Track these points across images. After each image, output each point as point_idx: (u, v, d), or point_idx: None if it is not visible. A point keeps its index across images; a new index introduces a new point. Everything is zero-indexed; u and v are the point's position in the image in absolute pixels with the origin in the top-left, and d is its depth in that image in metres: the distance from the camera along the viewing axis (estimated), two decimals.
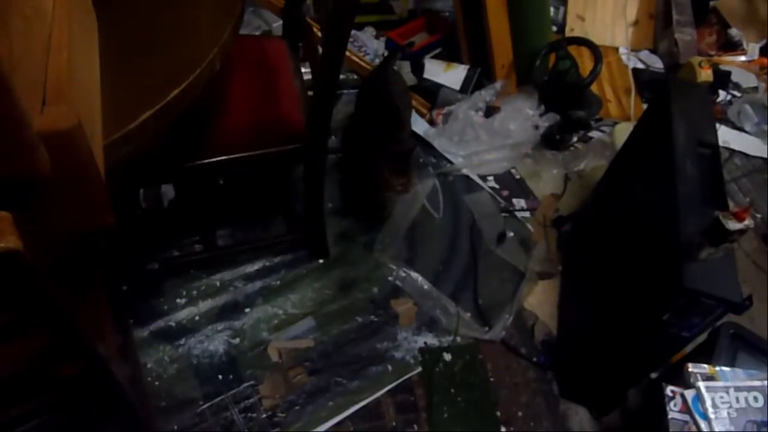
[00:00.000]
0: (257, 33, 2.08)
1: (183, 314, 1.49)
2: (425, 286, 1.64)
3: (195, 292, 1.53)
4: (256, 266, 1.61)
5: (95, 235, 0.70)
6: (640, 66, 2.57)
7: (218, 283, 1.56)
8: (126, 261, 1.46)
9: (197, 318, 1.49)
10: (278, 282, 1.59)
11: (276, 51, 1.49)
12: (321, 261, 1.65)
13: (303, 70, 1.51)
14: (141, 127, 0.78)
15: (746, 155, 2.30)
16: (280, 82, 1.40)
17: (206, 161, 1.25)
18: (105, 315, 0.92)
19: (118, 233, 0.75)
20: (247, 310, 1.53)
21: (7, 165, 0.45)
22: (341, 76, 2.13)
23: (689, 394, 1.20)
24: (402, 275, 1.65)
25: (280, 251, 1.64)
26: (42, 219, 0.54)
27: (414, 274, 1.65)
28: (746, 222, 0.99)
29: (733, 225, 0.98)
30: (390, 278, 1.65)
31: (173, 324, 1.47)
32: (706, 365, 1.23)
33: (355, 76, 2.15)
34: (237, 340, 1.48)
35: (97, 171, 0.57)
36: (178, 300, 1.51)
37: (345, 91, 2.10)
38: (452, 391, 1.48)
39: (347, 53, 2.14)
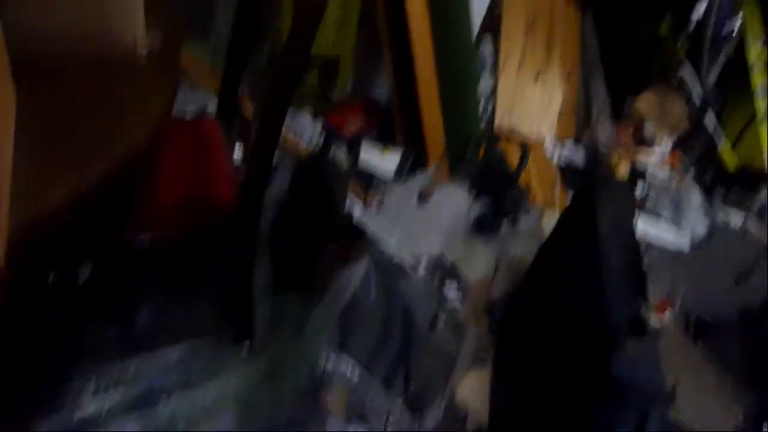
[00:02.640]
0: (192, 110, 2.07)
1: (89, 408, 1.36)
2: (356, 373, 1.58)
3: (104, 382, 1.41)
4: (175, 352, 1.51)
5: None
6: (565, 157, 2.72)
7: (132, 370, 1.44)
8: (28, 345, 1.34)
9: (106, 409, 1.36)
10: (199, 368, 1.49)
11: (209, 130, 1.47)
12: (247, 346, 1.57)
13: (236, 149, 1.50)
14: (54, 210, 0.72)
15: (664, 246, 2.42)
16: (212, 161, 1.38)
17: (131, 239, 1.19)
18: None
19: (22, 319, 0.68)
20: (162, 401, 1.41)
21: None
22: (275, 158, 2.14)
23: None
24: (332, 362, 1.59)
25: (204, 335, 1.55)
26: None
27: (344, 360, 1.59)
28: (667, 314, 1.02)
29: (655, 317, 1.01)
30: (319, 365, 1.58)
31: (76, 420, 1.34)
32: None
33: (290, 158, 2.15)
34: None
35: None
36: (86, 389, 1.38)
37: (278, 172, 2.09)
38: None
39: (282, 135, 2.16)
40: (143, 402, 1.40)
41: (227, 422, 1.42)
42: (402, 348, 1.71)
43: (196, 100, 2.13)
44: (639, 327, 1.04)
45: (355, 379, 1.56)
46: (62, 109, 0.89)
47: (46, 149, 0.79)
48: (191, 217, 1.25)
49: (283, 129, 2.22)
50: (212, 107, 2.11)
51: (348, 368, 1.58)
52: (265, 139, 1.11)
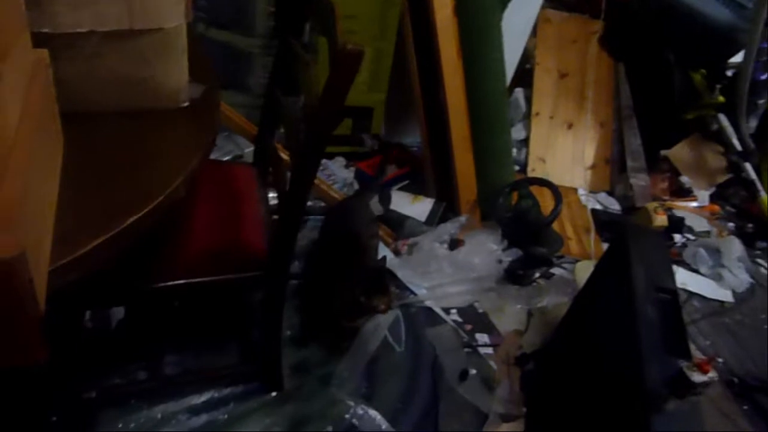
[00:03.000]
0: (229, 157, 2.12)
1: None
2: (383, 426, 1.54)
3: (133, 425, 1.41)
4: (203, 398, 1.50)
5: (24, 372, 0.64)
6: (599, 207, 2.69)
7: (160, 416, 1.44)
8: (59, 388, 1.35)
9: None
10: (225, 416, 1.48)
11: (243, 176, 1.50)
12: (274, 394, 1.56)
13: (270, 194, 1.52)
14: (92, 253, 0.74)
15: (703, 297, 2.35)
16: (245, 208, 1.40)
17: (162, 285, 1.20)
18: None
19: (53, 359, 0.69)
20: None
21: None
22: (309, 203, 2.17)
23: None
24: (359, 413, 1.55)
25: (231, 382, 1.55)
26: None
27: (372, 412, 1.56)
28: (710, 374, 0.97)
29: (697, 377, 0.97)
30: (347, 416, 1.55)
31: None
32: None
33: (322, 204, 2.18)
34: None
35: (35, 304, 0.53)
36: None
37: (310, 218, 2.11)
38: None
39: (316, 181, 2.19)
40: None
41: None
42: (431, 401, 1.67)
43: (233, 149, 2.19)
44: (680, 387, 1.00)
45: None
46: (104, 156, 0.92)
47: (86, 195, 0.82)
48: (222, 264, 1.26)
49: (317, 175, 2.27)
50: (247, 155, 2.17)
51: (375, 422, 1.54)
52: (298, 186, 1.12)
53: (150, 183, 0.87)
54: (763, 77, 2.74)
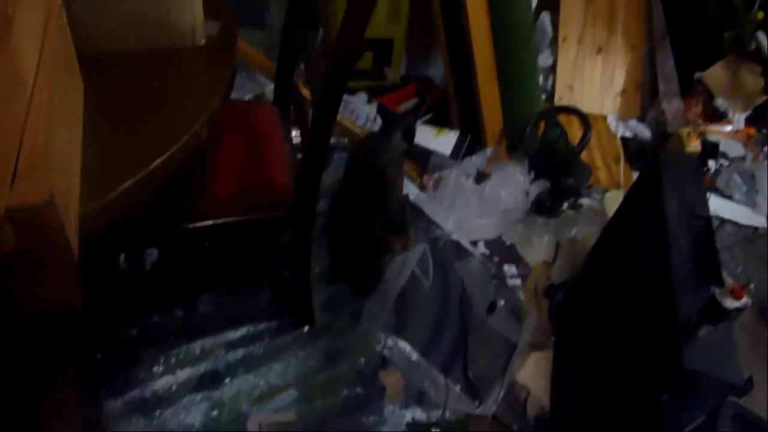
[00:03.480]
0: (249, 97, 2.10)
1: (159, 384, 1.42)
2: (414, 357, 1.58)
3: (173, 361, 1.47)
4: (238, 334, 1.55)
5: (62, 313, 0.65)
6: (629, 134, 2.61)
7: (198, 351, 1.50)
8: (101, 328, 1.40)
9: (174, 388, 1.42)
10: (261, 351, 1.53)
11: (266, 116, 1.48)
12: (306, 329, 1.60)
13: (293, 133, 1.50)
14: (122, 196, 0.75)
15: (736, 224, 2.30)
16: (269, 148, 1.39)
17: (192, 226, 1.22)
18: (72, 393, 0.86)
19: (93, 300, 0.71)
20: (227, 380, 1.46)
21: None
22: (332, 140, 2.15)
23: None
24: (390, 345, 1.59)
25: (265, 318, 1.59)
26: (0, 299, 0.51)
27: (402, 344, 1.60)
28: (744, 300, 0.96)
29: (730, 303, 0.96)
30: (378, 348, 1.59)
31: (148, 394, 1.40)
32: None
33: (346, 140, 2.16)
34: (215, 413, 1.40)
35: (68, 248, 0.54)
36: (154, 369, 1.45)
37: (334, 155, 2.10)
38: None
39: (338, 117, 2.16)
40: (209, 380, 1.46)
41: (288, 401, 1.45)
42: (460, 332, 1.69)
43: (253, 87, 2.16)
44: (712, 314, 0.99)
45: (413, 364, 1.56)
46: (124, 99, 0.91)
47: (110, 139, 0.82)
48: (248, 205, 1.27)
49: (340, 111, 2.24)
50: (268, 93, 2.14)
51: (405, 353, 1.58)
52: (321, 124, 1.11)
53: (173, 125, 0.86)
54: None
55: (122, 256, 1.60)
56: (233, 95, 1.20)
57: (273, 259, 1.75)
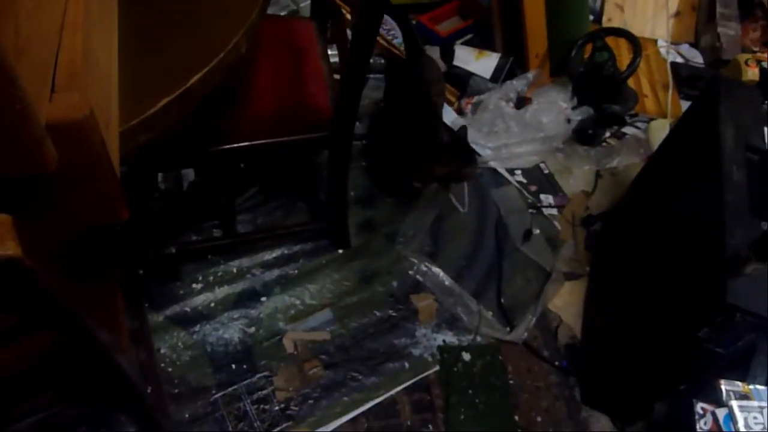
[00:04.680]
0: (285, 12, 2.03)
1: (199, 300, 1.47)
2: (447, 282, 1.59)
3: (212, 278, 1.51)
4: (274, 254, 1.57)
5: (108, 229, 0.66)
6: (680, 60, 2.47)
7: (235, 270, 1.53)
8: (143, 245, 1.43)
9: (213, 305, 1.46)
10: (296, 271, 1.55)
11: (303, 32, 1.43)
12: (341, 251, 1.61)
13: (330, 52, 1.45)
14: (161, 112, 0.73)
15: None
16: (307, 66, 1.35)
17: (229, 147, 1.21)
18: (117, 304, 0.89)
19: (134, 218, 0.71)
20: (263, 298, 1.50)
21: (9, 162, 0.41)
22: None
23: (721, 412, 1.15)
24: (424, 270, 1.60)
25: (300, 240, 1.61)
26: (48, 216, 0.50)
27: (436, 269, 1.60)
28: None
29: None
30: (411, 272, 1.60)
31: (189, 310, 1.45)
32: (740, 383, 1.17)
33: (383, 61, 2.09)
34: (252, 329, 1.45)
35: (110, 164, 0.53)
36: (194, 285, 1.49)
37: (372, 76, 2.04)
38: (470, 392, 1.44)
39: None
40: (247, 298, 1.49)
41: (323, 321, 1.49)
42: (494, 259, 1.69)
43: (288, 2, 2.09)
44: (763, 250, 0.95)
45: (446, 289, 1.57)
46: (159, 13, 0.88)
47: (147, 54, 0.79)
48: (287, 125, 1.24)
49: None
50: (303, 9, 2.07)
51: (438, 278, 1.59)
52: (360, 44, 1.06)
53: (210, 39, 0.84)
54: None
55: (161, 176, 1.61)
56: (269, 11, 1.15)
57: (309, 181, 1.75)
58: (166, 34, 0.86)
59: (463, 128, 1.63)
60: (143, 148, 0.74)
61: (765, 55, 2.56)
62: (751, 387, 1.16)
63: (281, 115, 1.25)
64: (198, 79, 0.76)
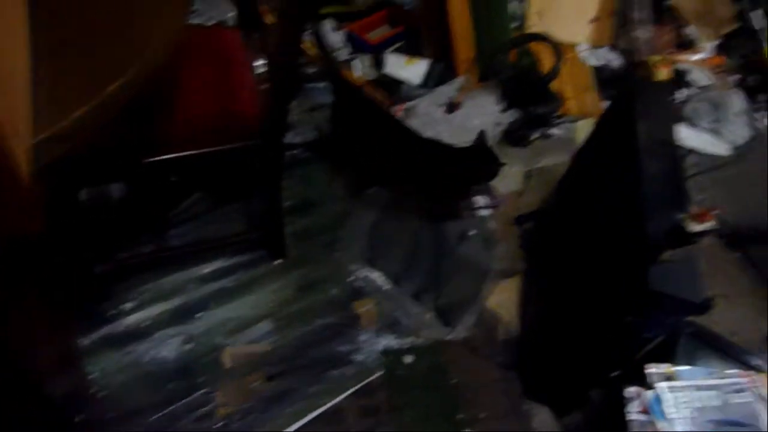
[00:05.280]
0: (211, 23, 2.00)
1: (132, 319, 1.42)
2: (386, 287, 1.60)
3: (145, 296, 1.46)
4: (210, 267, 1.54)
5: (24, 243, 0.63)
6: (600, 63, 2.58)
7: (170, 286, 1.49)
8: (70, 264, 1.37)
9: (147, 323, 1.42)
10: (234, 284, 1.53)
11: (230, 42, 1.42)
12: (279, 261, 1.60)
13: (259, 62, 1.44)
14: (76, 124, 0.71)
15: (702, 152, 2.33)
16: (235, 76, 1.33)
17: (157, 159, 1.18)
18: (41, 326, 0.85)
19: (58, 236, 0.68)
20: (200, 314, 1.46)
21: None
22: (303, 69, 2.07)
23: (649, 394, 1.20)
24: (363, 275, 1.60)
25: (237, 251, 1.58)
26: None
27: (375, 274, 1.61)
28: (708, 224, 0.98)
29: (695, 227, 0.98)
30: (350, 279, 1.60)
31: (121, 330, 1.40)
32: (665, 365, 1.23)
33: (312, 70, 2.09)
34: (190, 346, 1.41)
35: (17, 175, 0.51)
36: (126, 304, 1.44)
37: (307, 85, 2.04)
38: (415, 393, 1.45)
39: (306, 45, 2.08)
40: (182, 315, 1.45)
41: (262, 333, 1.46)
42: (433, 261, 1.71)
43: (215, 13, 2.06)
44: (678, 237, 1.01)
45: (386, 294, 1.58)
46: (76, 20, 0.85)
47: (61, 63, 0.77)
48: (216, 135, 1.23)
49: (307, 40, 2.15)
50: (230, 20, 2.04)
51: (378, 283, 1.59)
52: (286, 52, 1.06)
53: (129, 48, 0.82)
54: None
55: (86, 192, 1.55)
56: (194, 21, 1.14)
57: (243, 191, 1.72)
58: (82, 43, 0.83)
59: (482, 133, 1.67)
60: (63, 160, 0.71)
61: (675, 55, 2.72)
62: (676, 368, 1.22)
63: (210, 125, 1.23)
64: (114, 90, 0.74)
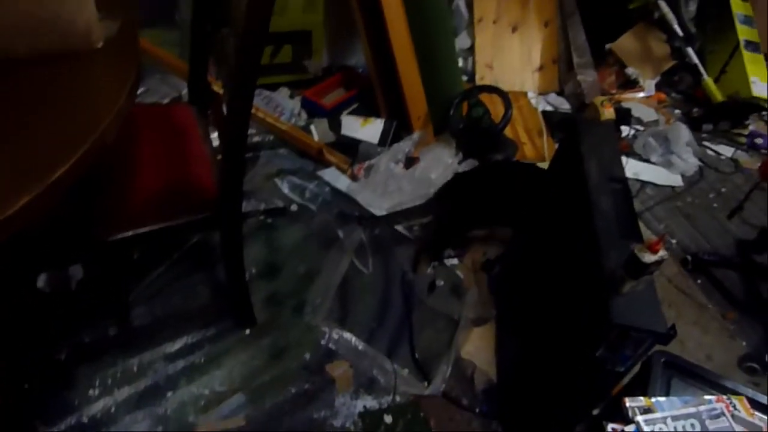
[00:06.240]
0: (166, 100, 2.03)
1: (97, 407, 1.36)
2: (360, 346, 1.58)
3: (110, 380, 1.41)
4: (177, 344, 1.50)
5: None
6: (549, 108, 2.69)
7: (136, 367, 1.44)
8: (27, 354, 1.33)
9: (113, 409, 1.36)
10: (202, 359, 1.49)
11: (183, 117, 1.44)
12: (248, 331, 1.57)
13: (213, 135, 1.46)
14: (22, 211, 0.70)
15: (656, 184, 2.41)
16: (190, 149, 1.35)
17: (116, 237, 1.17)
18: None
19: (12, 325, 0.66)
20: (169, 393, 1.41)
21: None
22: (257, 138, 2.11)
23: (629, 429, 1.19)
24: (335, 337, 1.58)
25: (203, 324, 1.55)
26: None
27: (347, 335, 1.59)
28: (661, 253, 1.01)
29: (648, 257, 1.00)
30: (323, 341, 1.58)
31: (86, 420, 1.34)
32: (642, 398, 1.23)
33: (272, 137, 2.12)
34: (160, 428, 1.36)
35: None
36: (91, 391, 1.38)
37: (262, 152, 2.06)
38: None
39: (262, 114, 2.13)
40: (151, 396, 1.41)
41: (236, 406, 1.42)
42: (403, 315, 1.70)
43: (169, 91, 2.09)
44: (634, 269, 1.03)
45: (359, 353, 1.56)
46: (19, 106, 0.86)
47: (7, 149, 0.77)
48: (172, 209, 1.22)
49: (263, 108, 2.20)
50: (186, 96, 2.08)
51: (350, 343, 1.58)
52: (235, 122, 1.08)
53: (75, 128, 0.82)
54: None
55: (45, 276, 1.52)
56: (149, 100, 1.16)
57: (207, 261, 1.71)
58: (27, 126, 0.83)
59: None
60: (11, 247, 0.71)
61: (620, 95, 2.85)
62: (653, 400, 1.22)
63: (168, 199, 1.23)
64: (61, 174, 0.74)
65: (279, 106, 2.26)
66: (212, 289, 1.65)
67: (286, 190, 1.98)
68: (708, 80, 2.93)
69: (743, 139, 2.80)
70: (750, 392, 1.26)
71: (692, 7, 2.92)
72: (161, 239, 1.32)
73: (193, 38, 1.41)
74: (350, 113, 2.34)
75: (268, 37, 2.30)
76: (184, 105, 1.54)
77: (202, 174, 1.29)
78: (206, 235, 1.71)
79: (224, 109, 1.14)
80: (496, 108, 2.31)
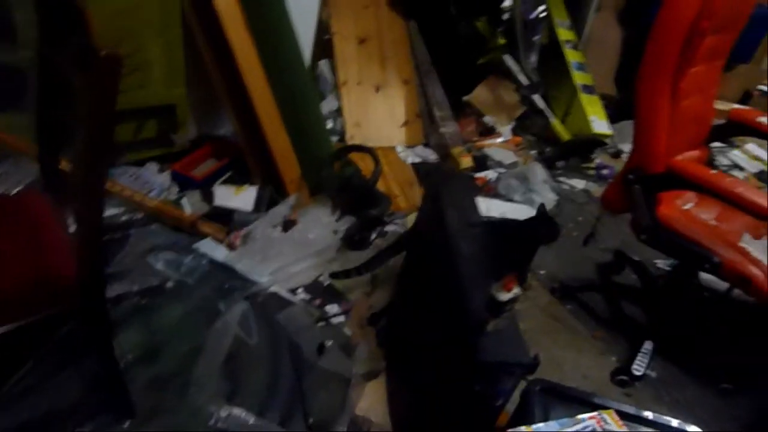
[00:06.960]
0: (20, 187, 1.92)
1: None
2: (251, 421, 1.53)
3: None
4: None
5: None
6: (418, 159, 2.84)
7: None
8: None
9: None
10: None
11: (37, 205, 1.37)
12: (128, 422, 1.47)
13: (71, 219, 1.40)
14: None
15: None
16: (46, 239, 1.28)
17: None
18: None
19: None
20: None
21: None
22: (125, 217, 2.04)
23: None
24: (224, 416, 1.53)
25: (77, 424, 1.44)
26: None
27: (237, 411, 1.54)
28: (515, 290, 1.09)
29: (503, 296, 1.08)
30: (211, 422, 1.52)
31: None
32: (522, 427, 1.29)
33: (141, 215, 2.06)
34: None
35: None
36: None
37: (132, 231, 1.99)
38: None
39: (129, 193, 2.07)
40: None
41: None
42: (294, 381, 1.68)
43: (23, 175, 1.98)
44: (494, 308, 1.11)
45: (252, 428, 1.52)
46: None
47: None
48: (33, 301, 1.15)
49: (130, 186, 2.14)
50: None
51: (241, 419, 1.53)
52: (87, 204, 1.05)
53: None
54: (532, 16, 3.04)
55: None
56: (2, 187, 1.09)
57: (75, 356, 1.60)
58: None
59: (542, 205, 1.75)
60: None
61: (481, 142, 3.07)
62: (533, 427, 1.28)
63: (25, 294, 1.16)
64: None
65: (147, 183, 2.21)
66: (86, 382, 1.54)
67: (160, 266, 1.92)
68: (555, 122, 3.25)
69: (593, 172, 3.11)
70: (616, 405, 1.37)
71: (533, 59, 3.24)
72: (23, 337, 1.23)
73: (38, 122, 1.36)
74: (224, 182, 2.34)
75: (131, 113, 2.26)
76: (34, 191, 1.47)
77: (59, 263, 1.23)
78: (75, 324, 1.61)
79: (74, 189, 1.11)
80: (367, 164, 2.41)
